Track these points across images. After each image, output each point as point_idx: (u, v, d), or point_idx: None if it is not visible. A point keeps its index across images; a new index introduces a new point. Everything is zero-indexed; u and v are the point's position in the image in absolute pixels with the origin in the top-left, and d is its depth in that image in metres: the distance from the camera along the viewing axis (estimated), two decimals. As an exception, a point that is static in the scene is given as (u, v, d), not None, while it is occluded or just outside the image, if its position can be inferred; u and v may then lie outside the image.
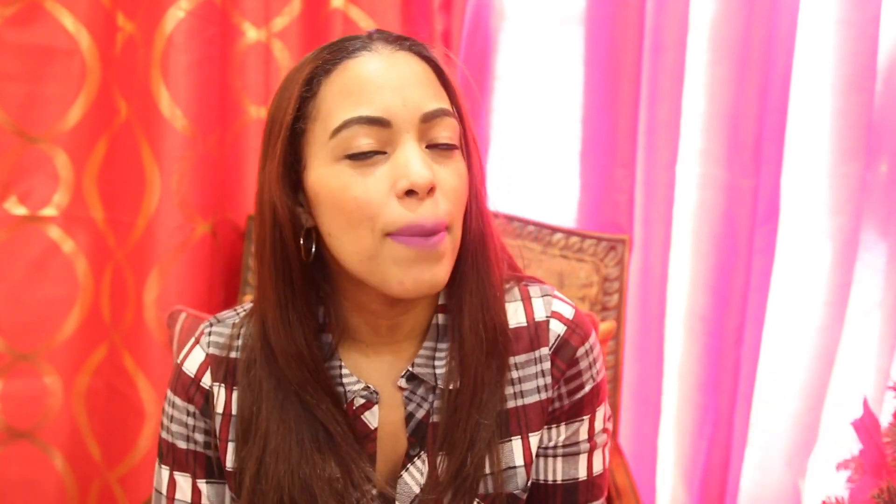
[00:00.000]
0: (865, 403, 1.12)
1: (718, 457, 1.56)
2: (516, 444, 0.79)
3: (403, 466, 0.78)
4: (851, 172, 1.40)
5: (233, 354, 0.79)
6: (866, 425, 1.10)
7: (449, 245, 0.71)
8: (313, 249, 0.74)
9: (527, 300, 0.82)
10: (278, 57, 1.53)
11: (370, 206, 0.69)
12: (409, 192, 0.69)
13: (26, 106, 1.42)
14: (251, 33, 1.51)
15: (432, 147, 0.72)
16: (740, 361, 1.52)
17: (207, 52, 1.42)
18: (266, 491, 0.75)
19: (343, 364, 0.78)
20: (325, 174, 0.71)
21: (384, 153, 0.70)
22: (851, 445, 1.16)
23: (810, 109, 1.41)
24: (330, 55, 0.73)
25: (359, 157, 0.70)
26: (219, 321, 0.82)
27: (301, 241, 0.74)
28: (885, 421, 1.12)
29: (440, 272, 0.70)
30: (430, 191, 0.69)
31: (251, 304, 0.83)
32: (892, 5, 1.34)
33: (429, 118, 0.71)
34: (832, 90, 1.40)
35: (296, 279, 0.75)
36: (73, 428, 1.50)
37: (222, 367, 0.79)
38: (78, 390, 1.50)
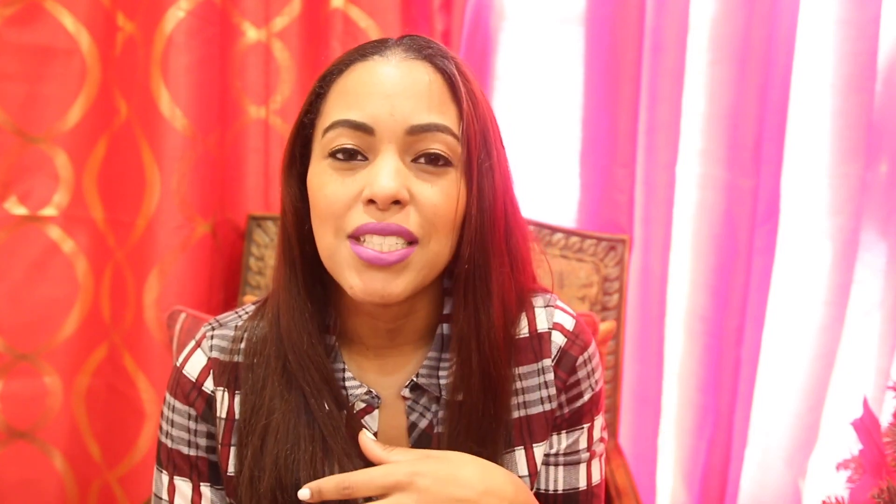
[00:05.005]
0: (865, 403, 1.12)
1: (718, 457, 1.56)
2: (520, 454, 0.79)
3: None
4: (851, 172, 1.40)
5: (236, 358, 0.78)
6: (866, 425, 1.10)
7: (418, 260, 0.70)
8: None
9: (529, 310, 0.81)
10: (278, 57, 1.53)
11: (335, 206, 0.69)
12: (372, 202, 0.68)
13: (26, 106, 1.42)
14: (251, 33, 1.51)
15: (418, 161, 0.70)
16: (740, 361, 1.52)
17: (207, 52, 1.43)
18: (264, 467, 0.73)
19: (346, 367, 0.78)
20: (313, 170, 0.73)
21: (366, 159, 0.70)
22: (851, 445, 1.16)
23: (810, 109, 1.41)
24: (349, 56, 0.74)
25: (339, 158, 0.70)
26: (221, 324, 0.81)
27: (304, 235, 0.75)
28: (885, 421, 1.12)
29: (397, 285, 0.69)
30: (398, 203, 0.68)
31: (253, 306, 0.82)
32: (892, 5, 1.34)
33: (416, 131, 0.69)
34: (832, 90, 1.40)
35: (299, 272, 0.75)
36: (72, 428, 1.50)
37: (226, 372, 0.78)
38: (78, 390, 1.50)
